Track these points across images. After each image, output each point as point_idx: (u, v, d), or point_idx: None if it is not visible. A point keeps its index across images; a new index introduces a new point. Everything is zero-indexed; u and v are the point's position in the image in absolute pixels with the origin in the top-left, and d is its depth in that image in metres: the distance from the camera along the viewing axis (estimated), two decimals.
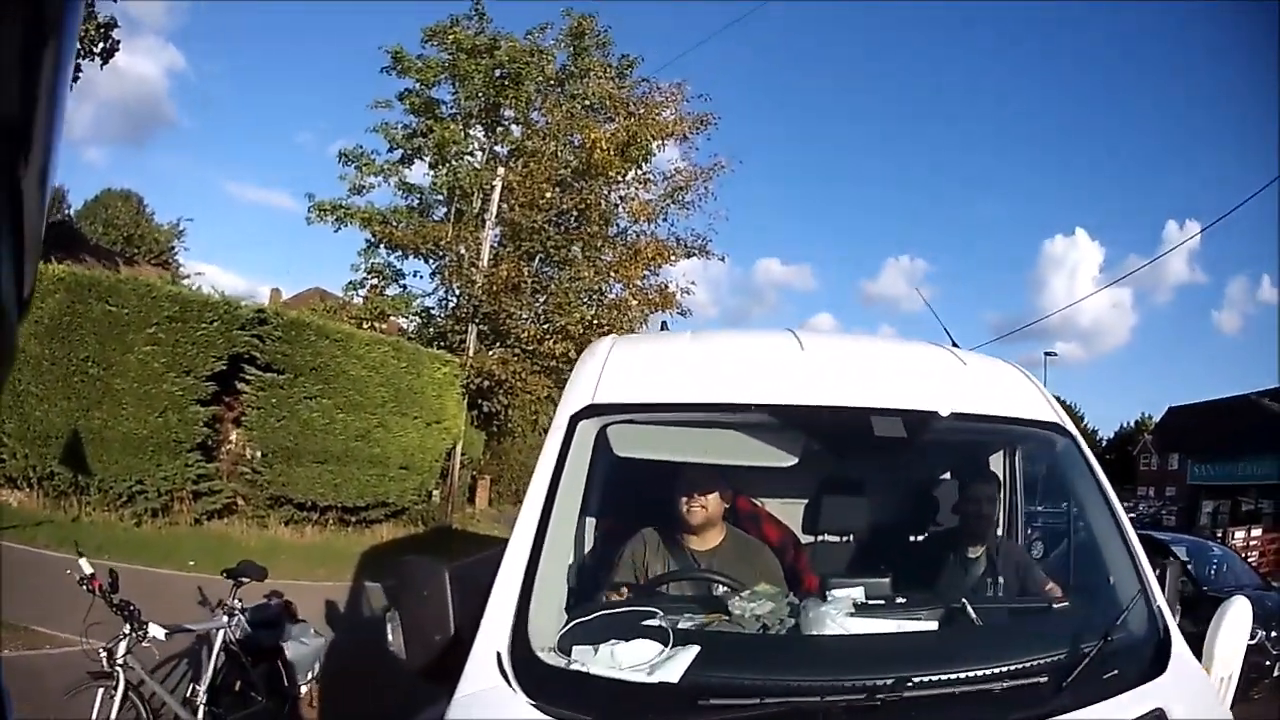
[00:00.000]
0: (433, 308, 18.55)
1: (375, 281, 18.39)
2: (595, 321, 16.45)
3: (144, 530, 10.66)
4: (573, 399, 2.58)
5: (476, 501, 17.42)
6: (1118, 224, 73.92)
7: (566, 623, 2.15)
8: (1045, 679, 2.04)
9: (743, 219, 65.35)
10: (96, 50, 15.22)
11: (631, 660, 1.99)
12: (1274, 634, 7.84)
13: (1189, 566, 8.76)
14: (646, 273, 18.34)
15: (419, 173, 18.78)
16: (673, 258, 18.57)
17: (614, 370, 2.67)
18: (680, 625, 2.19)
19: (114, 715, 3.98)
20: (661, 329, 14.52)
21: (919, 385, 2.74)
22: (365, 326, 16.24)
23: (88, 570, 4.20)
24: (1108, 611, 2.39)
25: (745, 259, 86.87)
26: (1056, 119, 74.24)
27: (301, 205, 17.87)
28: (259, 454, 12.08)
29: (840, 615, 2.24)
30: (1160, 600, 2.43)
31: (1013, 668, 2.07)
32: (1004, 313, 77.22)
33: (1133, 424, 57.82)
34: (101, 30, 15.18)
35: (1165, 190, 65.69)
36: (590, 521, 3.07)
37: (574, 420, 2.50)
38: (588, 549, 3.02)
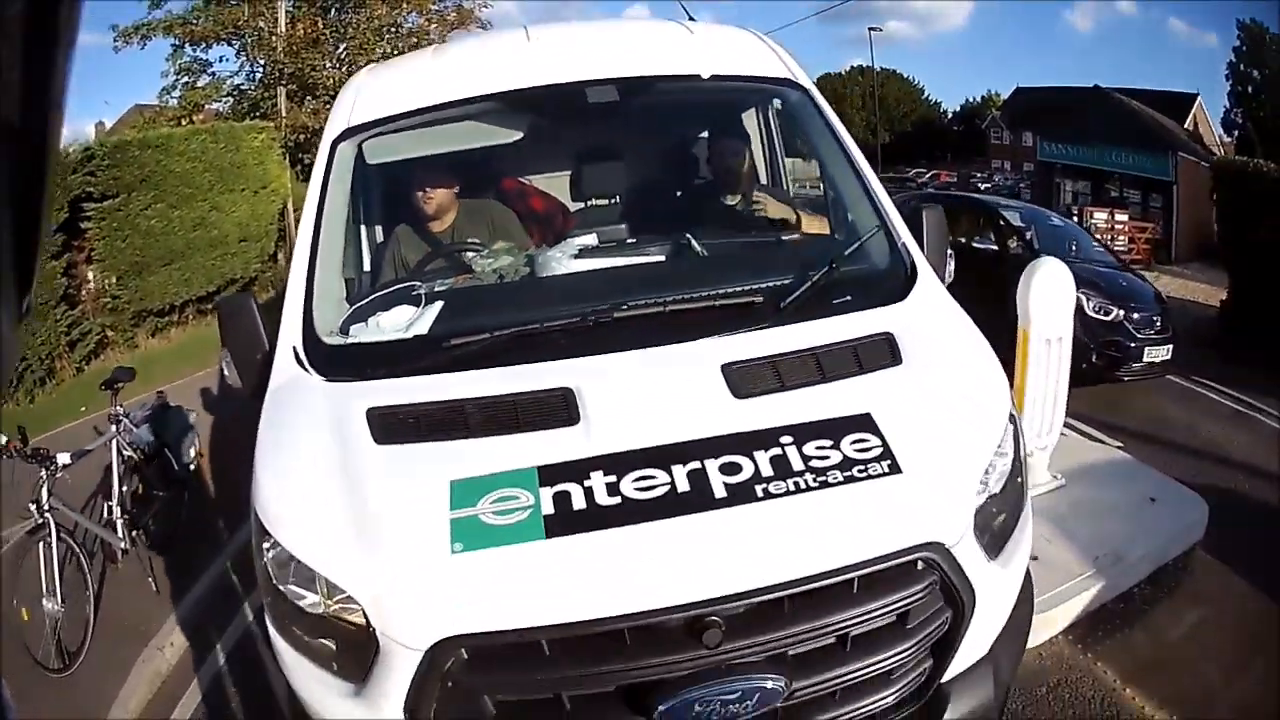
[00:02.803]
0: (243, 84, 18.08)
1: (186, 79, 17.74)
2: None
3: (38, 404, 10.28)
4: (333, 127, 2.81)
5: None
6: None
7: (347, 312, 2.44)
8: (762, 299, 2.21)
9: None
10: None
11: (392, 324, 2.32)
12: (1135, 315, 7.77)
13: (1027, 233, 8.64)
14: None
15: None
16: None
17: (366, 95, 2.90)
18: (434, 290, 2.49)
19: (56, 563, 4.09)
20: None
21: (637, 55, 2.93)
22: (184, 123, 16.06)
23: (1, 440, 4.29)
24: (841, 244, 2.54)
25: None
26: None
27: (110, 40, 16.90)
28: (114, 279, 12.03)
29: (567, 258, 2.54)
30: (906, 238, 2.50)
31: (730, 289, 2.24)
32: None
33: (979, 99, 56.36)
34: None
35: None
36: (365, 231, 3.40)
37: (334, 145, 2.74)
38: (367, 254, 3.35)
